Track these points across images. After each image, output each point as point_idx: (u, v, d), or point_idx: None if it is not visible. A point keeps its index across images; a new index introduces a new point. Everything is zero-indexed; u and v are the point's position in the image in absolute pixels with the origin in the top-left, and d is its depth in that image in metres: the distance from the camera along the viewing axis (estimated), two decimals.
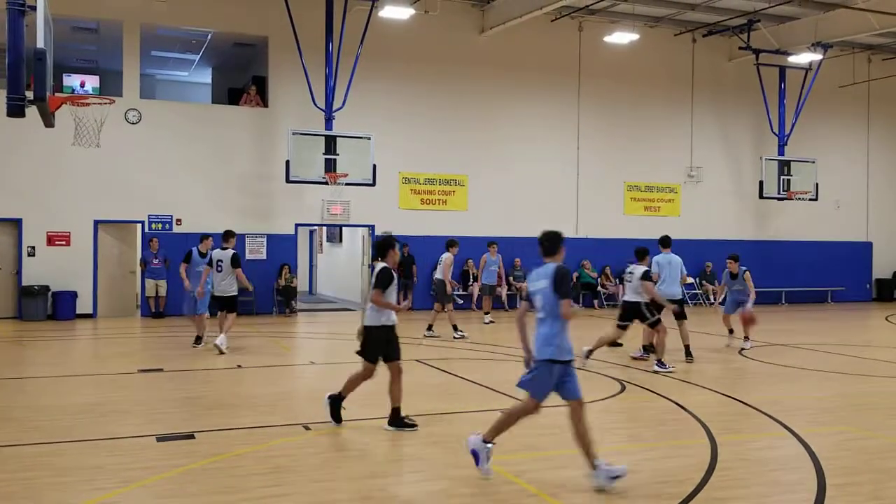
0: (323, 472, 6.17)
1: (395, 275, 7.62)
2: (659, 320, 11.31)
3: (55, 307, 17.25)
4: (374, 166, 17.84)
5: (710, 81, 23.11)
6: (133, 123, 17.99)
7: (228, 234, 12.67)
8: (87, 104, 12.00)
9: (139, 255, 18.29)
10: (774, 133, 22.89)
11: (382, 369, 7.62)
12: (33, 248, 17.37)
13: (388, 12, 18.05)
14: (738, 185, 23.56)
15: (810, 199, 22.83)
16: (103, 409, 8.39)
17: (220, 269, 12.35)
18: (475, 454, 5.89)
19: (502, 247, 18.24)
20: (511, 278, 20.62)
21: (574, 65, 21.57)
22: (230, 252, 12.39)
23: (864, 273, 25.43)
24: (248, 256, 18.62)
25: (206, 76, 23.90)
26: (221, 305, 12.56)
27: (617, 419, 8.30)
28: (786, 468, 6.45)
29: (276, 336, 15.22)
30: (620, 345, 12.42)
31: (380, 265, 7.65)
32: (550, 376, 5.82)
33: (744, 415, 8.44)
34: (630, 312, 11.51)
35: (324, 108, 18.10)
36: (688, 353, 11.79)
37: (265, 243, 19.03)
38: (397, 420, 7.44)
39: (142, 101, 18.39)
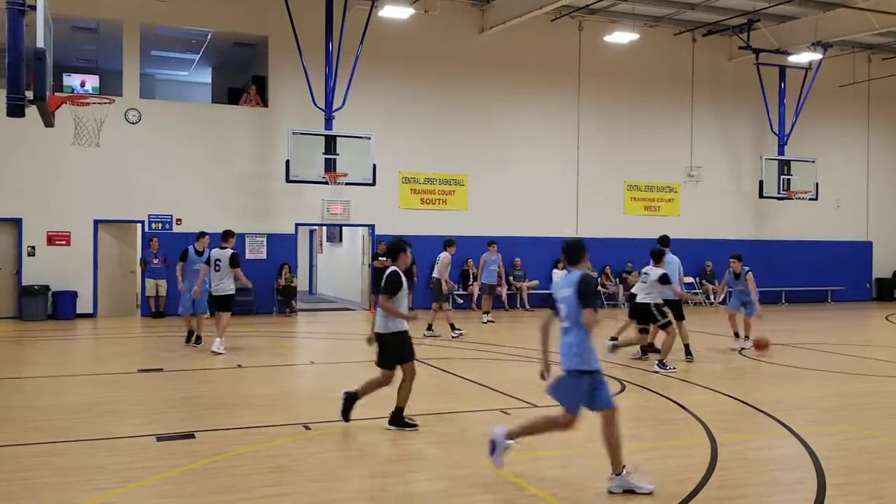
0: (323, 472, 6.17)
1: (404, 279, 7.52)
2: (669, 322, 11.33)
3: (55, 307, 17.26)
4: (374, 166, 17.84)
5: (709, 81, 23.11)
6: (133, 123, 17.99)
7: (228, 234, 12.62)
8: (87, 104, 12.00)
9: (139, 255, 18.29)
10: (774, 133, 22.89)
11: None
12: (33, 247, 17.37)
13: (388, 12, 18.05)
14: (738, 185, 23.56)
15: (810, 199, 22.83)
16: (103, 409, 8.40)
17: (217, 268, 12.30)
18: (493, 444, 5.85)
19: (502, 246, 18.25)
20: (511, 278, 20.63)
21: (574, 64, 21.57)
22: (229, 252, 12.33)
23: (863, 273, 25.43)
24: (248, 256, 18.62)
25: (205, 76, 23.90)
26: (217, 305, 12.46)
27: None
28: (785, 468, 6.45)
29: (275, 336, 15.22)
30: (657, 350, 11.72)
31: (390, 269, 7.57)
32: (580, 387, 5.68)
33: (743, 414, 8.44)
34: (639, 313, 11.50)
35: (324, 107, 18.10)
36: (688, 353, 11.81)
37: (265, 243, 19.03)
38: (398, 420, 7.43)
39: (142, 100, 18.40)
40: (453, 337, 14.32)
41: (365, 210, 19.59)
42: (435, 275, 14.91)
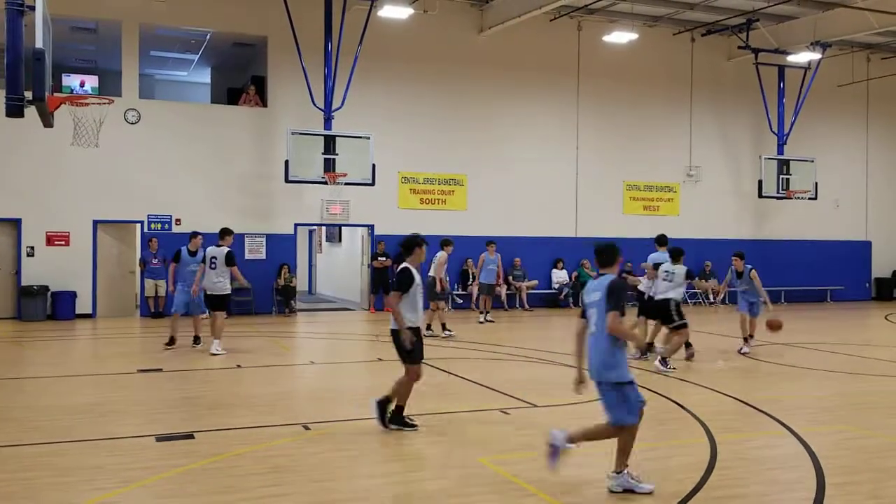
0: (323, 472, 6.17)
1: (416, 275, 7.44)
2: (685, 324, 11.34)
3: (54, 307, 17.25)
4: (374, 166, 17.84)
5: (709, 81, 23.12)
6: (132, 123, 17.99)
7: (225, 232, 12.51)
8: (86, 104, 11.98)
9: (138, 255, 18.28)
10: (773, 132, 22.90)
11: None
12: (32, 248, 17.36)
13: (387, 12, 18.06)
14: (738, 185, 23.56)
15: (809, 199, 22.84)
16: (103, 409, 8.40)
17: (213, 265, 12.21)
18: (554, 448, 5.68)
19: (502, 246, 18.24)
20: (510, 278, 20.63)
21: (573, 64, 21.57)
22: (225, 250, 12.24)
23: (863, 272, 25.44)
24: (247, 256, 18.63)
25: (205, 76, 23.89)
26: (212, 304, 12.35)
27: None
28: (785, 467, 6.45)
29: (275, 336, 15.22)
30: (690, 344, 11.76)
31: (402, 265, 7.49)
32: (626, 396, 5.62)
33: (743, 414, 8.45)
34: (657, 310, 11.49)
35: (323, 107, 18.10)
36: (687, 345, 11.76)
37: (264, 243, 19.02)
38: (399, 418, 7.42)
39: (141, 100, 18.39)
40: (443, 337, 14.28)
41: (364, 210, 19.59)
42: (431, 273, 14.92)
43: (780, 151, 22.77)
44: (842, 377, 10.86)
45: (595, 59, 21.60)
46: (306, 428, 7.52)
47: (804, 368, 11.38)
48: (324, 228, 24.70)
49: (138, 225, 18.21)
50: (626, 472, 5.64)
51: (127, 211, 17.99)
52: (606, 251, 5.94)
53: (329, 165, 17.50)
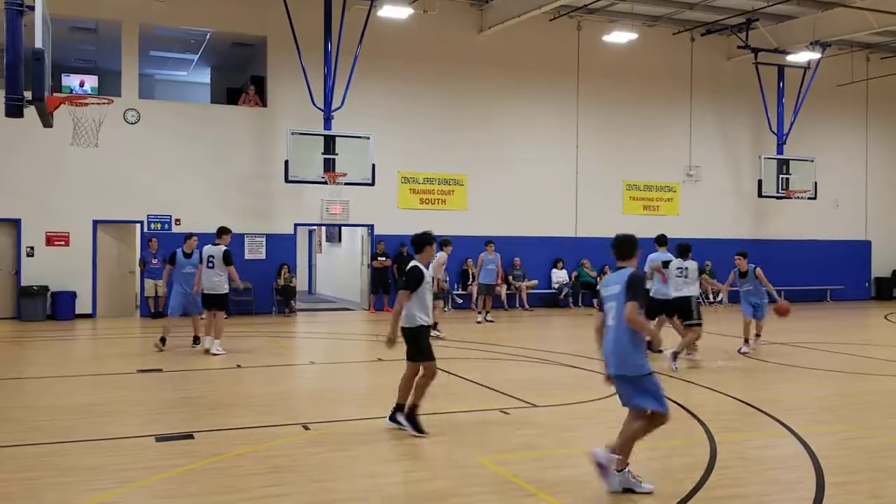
0: (322, 472, 6.17)
1: (426, 273, 7.34)
2: (700, 323, 11.39)
3: (54, 307, 17.25)
4: (374, 166, 17.84)
5: (708, 80, 23.12)
6: (132, 123, 17.99)
7: (222, 231, 12.43)
8: (86, 104, 11.97)
9: (138, 256, 18.29)
10: (773, 132, 22.90)
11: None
12: (32, 248, 17.36)
13: (387, 12, 18.06)
14: (737, 184, 23.57)
15: (809, 198, 22.85)
16: (102, 410, 8.40)
17: (210, 264, 12.15)
18: (601, 466, 5.54)
19: (502, 246, 18.24)
20: (510, 277, 20.63)
21: (573, 64, 21.57)
22: (222, 248, 12.18)
23: (862, 272, 25.45)
24: (247, 256, 18.65)
25: (204, 76, 23.89)
26: (210, 304, 12.29)
27: (616, 418, 8.26)
28: (784, 467, 6.45)
29: (275, 336, 15.22)
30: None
31: (411, 263, 7.42)
32: (646, 388, 5.58)
33: (743, 414, 8.45)
34: (679, 307, 11.49)
35: (323, 107, 18.10)
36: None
37: (264, 243, 19.02)
38: (398, 417, 7.42)
39: (140, 100, 18.39)
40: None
41: (364, 210, 19.59)
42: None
43: (780, 151, 22.78)
44: (842, 377, 10.86)
45: (595, 58, 21.60)
46: (306, 428, 7.52)
47: (804, 368, 11.39)
48: (324, 228, 24.70)
49: (138, 225, 18.22)
50: (627, 470, 5.63)
51: (127, 211, 17.99)
52: (625, 244, 5.88)
53: (329, 165, 17.50)
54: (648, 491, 5.59)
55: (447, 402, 8.73)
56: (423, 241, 7.45)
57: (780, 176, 22.41)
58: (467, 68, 20.51)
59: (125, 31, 18.04)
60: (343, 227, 22.52)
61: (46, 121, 9.40)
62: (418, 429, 7.18)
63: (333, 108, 18.10)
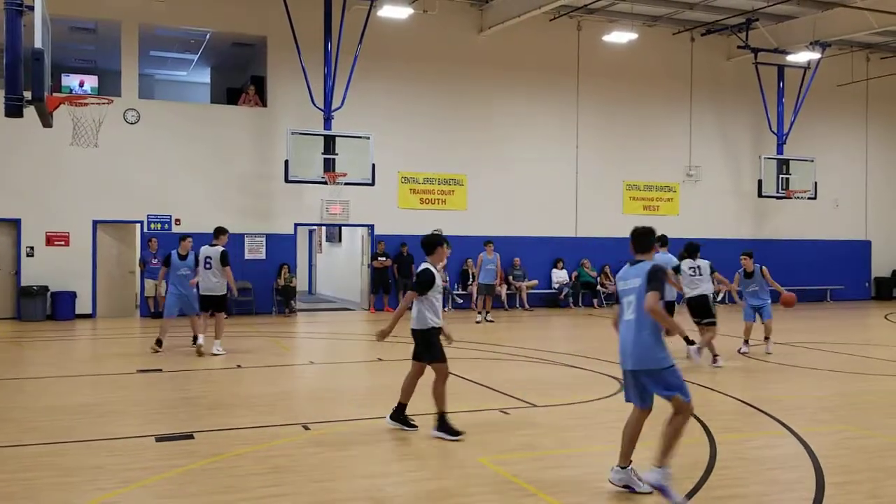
0: (322, 472, 6.17)
1: (437, 276, 7.25)
2: (716, 322, 11.47)
3: (54, 307, 17.25)
4: (374, 166, 17.84)
5: (708, 80, 23.13)
6: (132, 123, 17.99)
7: (219, 231, 12.33)
8: (86, 104, 11.96)
9: (138, 256, 18.29)
10: (773, 132, 22.91)
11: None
12: (32, 248, 17.36)
13: (387, 12, 18.06)
14: (737, 184, 23.57)
15: (809, 198, 22.85)
16: (102, 410, 8.40)
17: (208, 265, 12.07)
18: (660, 488, 5.41)
19: (503, 246, 18.23)
20: (510, 277, 20.63)
21: (573, 64, 21.57)
22: (219, 249, 12.09)
23: (862, 272, 25.45)
24: (247, 256, 18.67)
25: (204, 76, 23.89)
26: (209, 305, 12.20)
27: (616, 418, 8.28)
28: (784, 467, 6.45)
29: (275, 336, 15.22)
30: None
31: (423, 265, 7.35)
32: (668, 382, 5.54)
33: (743, 414, 8.45)
34: (698, 305, 11.51)
35: (323, 107, 18.10)
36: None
37: (264, 243, 19.02)
38: (401, 416, 7.40)
39: (140, 100, 18.39)
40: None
41: (364, 210, 19.59)
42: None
43: (780, 151, 22.78)
44: (842, 377, 10.86)
45: (595, 58, 21.61)
46: (306, 428, 7.52)
47: (804, 368, 11.38)
48: (324, 228, 24.71)
49: (138, 225, 18.22)
50: (630, 468, 5.64)
51: (127, 211, 17.99)
52: (644, 237, 5.79)
53: (329, 165, 17.50)
54: (647, 491, 5.60)
55: (447, 403, 8.72)
56: (433, 243, 7.36)
57: (780, 176, 22.42)
58: (467, 68, 20.51)
59: (125, 31, 18.04)
60: (343, 227, 22.52)
61: (46, 121, 9.40)
62: (453, 433, 7.07)
63: (333, 108, 18.10)
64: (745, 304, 12.64)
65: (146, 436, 7.17)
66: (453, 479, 6.06)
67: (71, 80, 19.38)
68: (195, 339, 12.70)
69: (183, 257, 12.49)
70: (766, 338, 12.63)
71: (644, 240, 5.80)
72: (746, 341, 12.77)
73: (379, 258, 19.57)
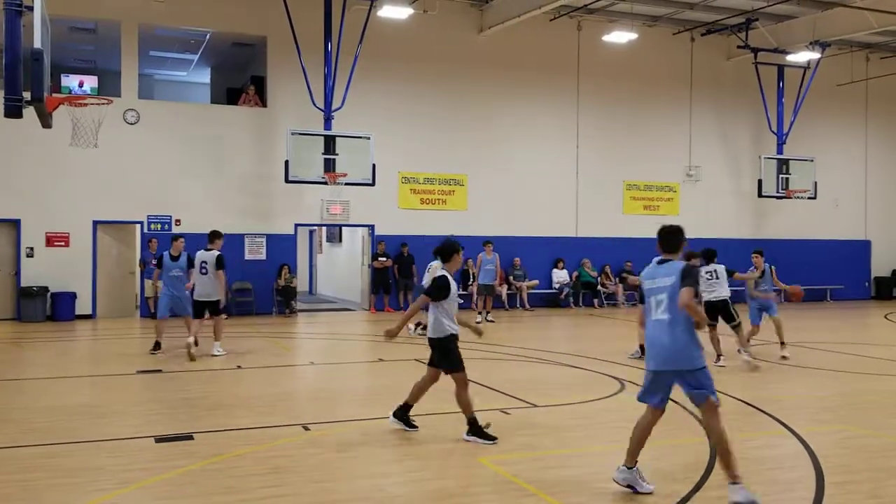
0: (322, 473, 6.17)
1: (453, 284, 7.14)
2: (740, 325, 11.57)
3: (54, 308, 17.24)
4: (374, 166, 17.83)
5: (708, 80, 23.12)
6: (131, 124, 17.98)
7: (214, 235, 12.19)
8: (85, 104, 11.94)
9: (138, 256, 18.28)
10: (773, 132, 22.90)
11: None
12: (32, 248, 17.36)
13: (387, 12, 18.06)
14: (737, 184, 23.56)
15: (809, 198, 22.84)
16: (102, 411, 8.39)
17: (203, 270, 11.95)
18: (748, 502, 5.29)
19: (503, 246, 18.22)
20: (511, 277, 20.63)
21: (573, 64, 21.57)
22: (215, 253, 11.98)
23: (862, 271, 25.45)
24: (247, 256, 18.66)
25: (204, 76, 23.89)
26: (203, 311, 12.06)
27: (616, 418, 8.29)
28: (784, 466, 6.45)
29: (275, 336, 15.21)
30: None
31: (438, 272, 7.25)
32: (701, 383, 5.45)
33: (743, 413, 8.44)
34: (719, 310, 11.51)
35: (323, 107, 18.09)
36: (643, 352, 11.82)
37: (265, 243, 19.02)
38: (404, 416, 7.37)
39: (140, 101, 18.39)
40: (417, 334, 13.99)
41: (364, 210, 19.59)
42: (423, 283, 14.70)
43: (780, 151, 22.78)
44: (842, 376, 10.85)
45: (595, 58, 21.60)
46: (306, 429, 7.51)
47: (804, 368, 11.38)
48: (324, 229, 24.71)
49: (138, 225, 18.21)
50: (636, 468, 5.64)
51: (126, 211, 17.99)
52: (672, 236, 5.72)
53: (329, 165, 17.49)
54: (649, 491, 5.60)
55: (447, 402, 8.72)
56: (450, 250, 7.24)
57: (780, 176, 22.41)
58: (467, 68, 20.51)
59: (124, 32, 18.03)
60: (343, 228, 22.52)
61: (45, 121, 9.40)
62: (487, 437, 7.01)
63: (333, 108, 18.09)
64: (751, 307, 12.46)
65: (146, 436, 7.16)
66: (453, 480, 6.05)
67: (70, 81, 19.39)
68: (195, 342, 12.61)
69: (175, 258, 12.35)
70: (782, 343, 12.19)
71: (672, 238, 5.73)
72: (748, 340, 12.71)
73: (379, 258, 19.56)
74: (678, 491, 5.70)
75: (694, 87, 22.95)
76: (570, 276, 21.42)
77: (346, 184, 17.88)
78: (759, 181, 22.34)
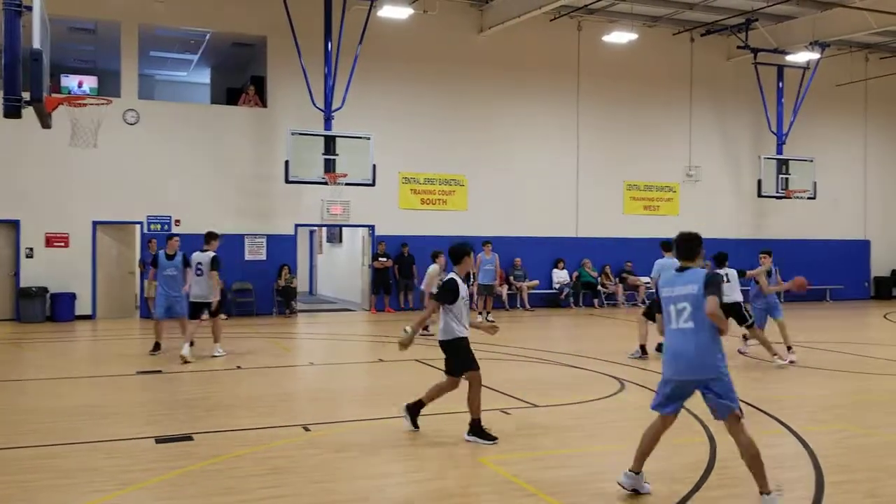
0: (322, 474, 6.17)
1: (462, 287, 7.12)
2: (754, 323, 11.62)
3: (54, 309, 17.24)
4: (374, 166, 17.82)
5: (708, 81, 23.13)
6: (131, 124, 17.98)
7: (210, 237, 12.11)
8: (84, 105, 11.93)
9: (138, 256, 18.28)
10: (773, 132, 22.90)
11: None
12: (31, 249, 17.36)
13: (387, 12, 18.06)
14: (737, 184, 23.56)
15: (808, 198, 22.83)
16: (102, 411, 8.39)
17: (199, 272, 11.88)
18: None
19: (503, 246, 18.21)
20: (511, 278, 20.63)
21: (573, 64, 21.57)
22: (210, 254, 11.91)
23: (862, 271, 25.45)
24: (247, 257, 18.66)
25: (204, 76, 23.89)
26: (199, 312, 11.99)
27: (616, 418, 8.30)
28: (784, 466, 6.45)
29: (275, 337, 15.21)
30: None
31: (448, 275, 7.24)
32: (732, 384, 5.44)
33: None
34: (730, 313, 11.43)
35: (323, 108, 18.09)
36: (644, 352, 11.84)
37: (265, 244, 19.01)
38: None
39: (140, 101, 18.39)
40: (421, 335, 13.93)
41: (365, 210, 19.59)
42: (422, 287, 14.72)
43: (780, 151, 22.78)
44: (841, 376, 10.86)
45: (595, 59, 21.61)
46: (306, 429, 7.52)
47: (804, 367, 11.38)
48: (324, 229, 24.71)
49: (138, 226, 18.21)
50: (643, 473, 5.64)
51: (126, 212, 17.98)
52: (689, 243, 5.67)
53: (329, 166, 17.47)
54: (648, 491, 5.62)
55: (447, 402, 8.71)
56: (461, 253, 7.23)
57: (780, 176, 22.41)
58: (467, 68, 20.51)
59: (124, 32, 18.03)
60: (344, 228, 22.52)
61: (45, 122, 9.40)
62: (488, 437, 7.00)
63: (333, 108, 18.08)
64: (756, 310, 12.23)
65: (145, 437, 7.17)
66: (453, 480, 6.05)
67: (70, 81, 19.38)
68: (190, 343, 12.53)
69: (170, 257, 12.31)
70: (789, 347, 11.97)
71: (689, 246, 5.68)
72: (745, 337, 12.71)
73: (379, 259, 19.56)
74: (678, 491, 5.71)
75: (694, 87, 22.95)
76: (571, 277, 21.42)
77: (347, 184, 17.87)
78: (759, 181, 22.34)
